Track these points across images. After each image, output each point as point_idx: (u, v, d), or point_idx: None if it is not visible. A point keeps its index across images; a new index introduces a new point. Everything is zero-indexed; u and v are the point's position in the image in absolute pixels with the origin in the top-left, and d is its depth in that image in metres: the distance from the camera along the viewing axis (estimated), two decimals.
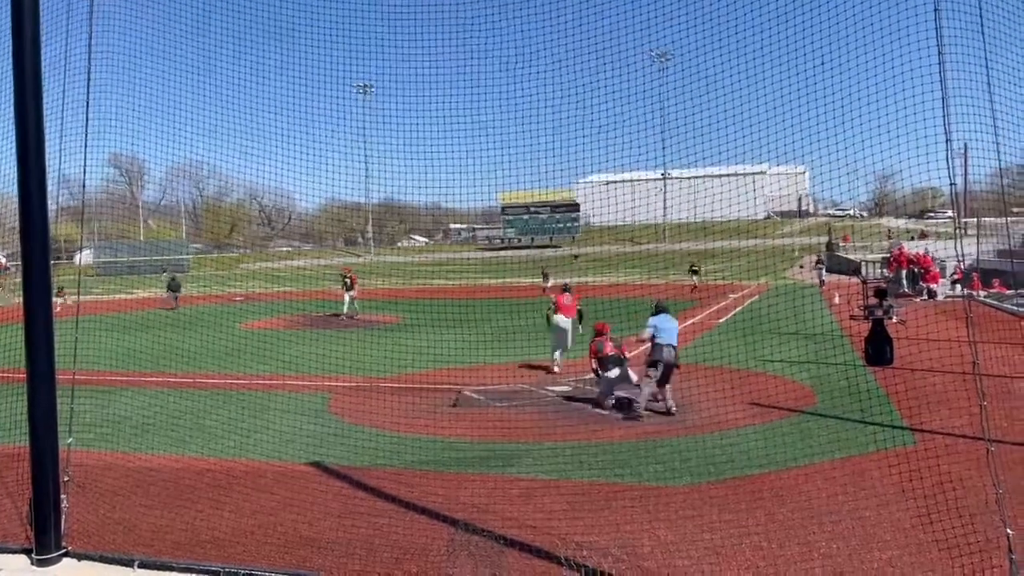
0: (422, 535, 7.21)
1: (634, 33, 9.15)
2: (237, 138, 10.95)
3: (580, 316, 18.16)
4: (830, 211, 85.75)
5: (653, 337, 12.67)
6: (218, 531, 7.43)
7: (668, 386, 12.59)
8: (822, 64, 7.37)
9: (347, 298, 29.64)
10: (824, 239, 61.80)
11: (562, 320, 16.76)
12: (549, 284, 40.49)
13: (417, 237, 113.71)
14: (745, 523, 7.37)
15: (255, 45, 10.18)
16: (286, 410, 12.92)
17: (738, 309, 27.85)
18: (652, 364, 12.53)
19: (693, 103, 9.29)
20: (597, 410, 12.75)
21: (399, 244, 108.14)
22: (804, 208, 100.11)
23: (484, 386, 14.25)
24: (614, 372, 13.24)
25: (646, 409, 12.35)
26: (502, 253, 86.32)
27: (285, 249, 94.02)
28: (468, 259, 78.66)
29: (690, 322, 24.79)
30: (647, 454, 10.03)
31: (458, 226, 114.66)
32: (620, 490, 8.55)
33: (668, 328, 12.79)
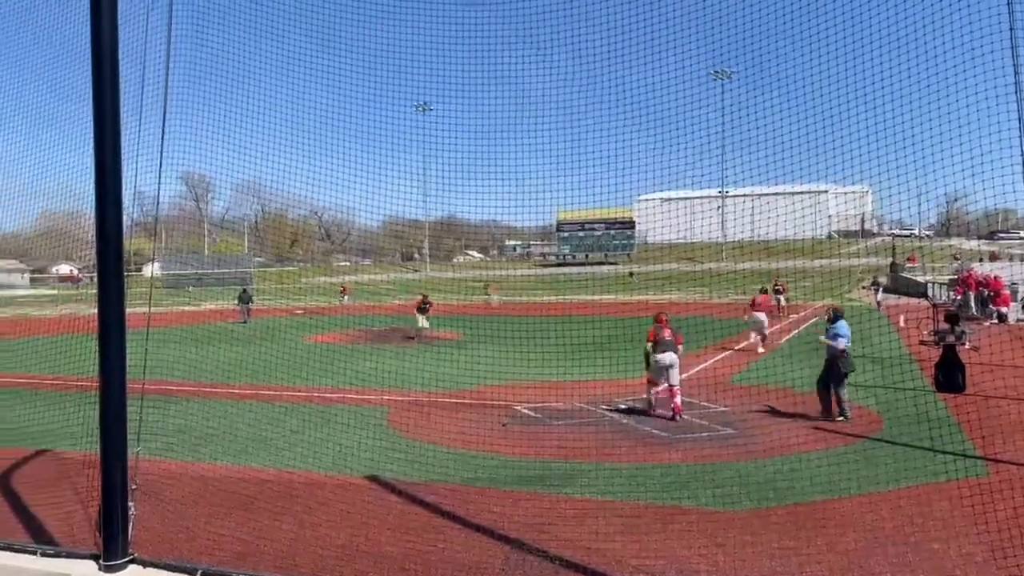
0: (477, 553, 7.21)
1: (694, 52, 9.09)
2: (301, 156, 11.20)
3: (779, 307, 25.65)
4: (894, 231, 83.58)
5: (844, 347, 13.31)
6: (278, 542, 7.55)
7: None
8: (889, 84, 7.21)
9: (420, 319, 29.71)
10: (889, 260, 60.17)
11: (759, 315, 23.67)
12: (494, 298, 40.52)
13: (473, 253, 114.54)
14: (807, 551, 7.17)
15: (317, 65, 10.42)
16: (346, 423, 13.09)
17: (801, 329, 27.25)
18: (847, 374, 13.20)
19: (753, 121, 9.18)
20: (656, 431, 12.59)
21: (455, 260, 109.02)
22: (868, 228, 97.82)
23: (542, 404, 14.23)
24: (666, 357, 13.54)
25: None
26: (562, 270, 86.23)
27: (344, 264, 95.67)
28: (525, 276, 78.77)
29: (752, 342, 24.34)
30: (706, 477, 9.86)
31: (513, 242, 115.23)
32: (677, 513, 8.42)
33: (851, 336, 13.63)
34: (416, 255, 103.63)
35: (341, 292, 46.27)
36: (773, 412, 13.49)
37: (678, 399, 13.45)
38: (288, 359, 20.54)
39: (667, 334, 13.84)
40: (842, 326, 13.48)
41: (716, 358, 20.82)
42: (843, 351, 13.24)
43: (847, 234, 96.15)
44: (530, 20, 9.23)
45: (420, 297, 29.93)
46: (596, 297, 44.69)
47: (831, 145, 8.11)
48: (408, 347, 25.01)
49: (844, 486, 9.10)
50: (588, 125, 9.85)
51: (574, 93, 9.77)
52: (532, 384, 14.55)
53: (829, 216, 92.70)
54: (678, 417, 13.26)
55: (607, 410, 14.26)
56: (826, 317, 14.13)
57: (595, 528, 7.85)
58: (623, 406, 14.48)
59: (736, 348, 23.31)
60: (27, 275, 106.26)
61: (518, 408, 14.16)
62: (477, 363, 14.24)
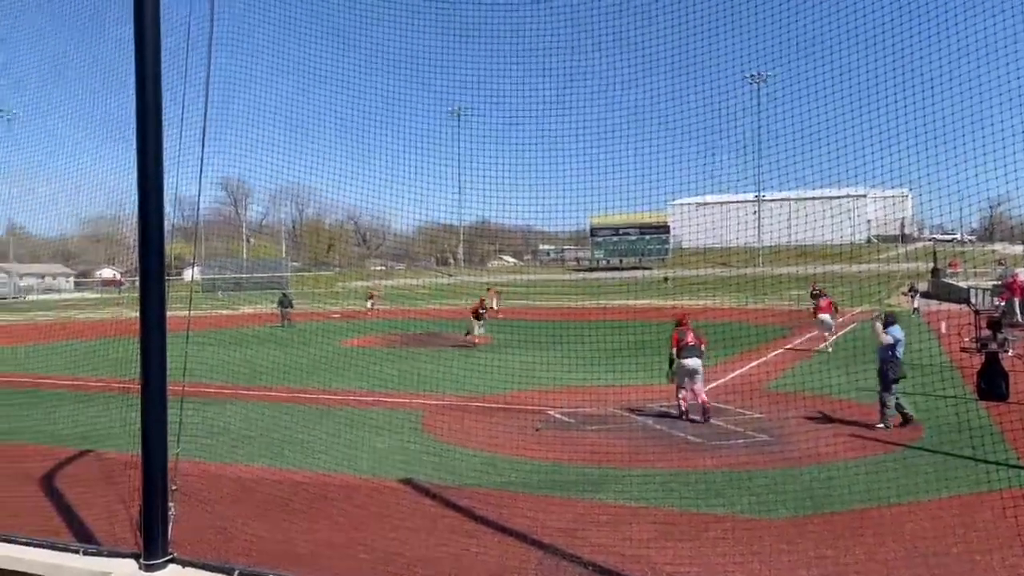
0: (510, 557, 7.21)
1: (728, 55, 9.03)
2: (338, 161, 11.35)
3: (835, 309, 25.97)
4: (936, 236, 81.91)
5: (894, 351, 13.05)
6: (313, 544, 7.64)
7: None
8: (931, 87, 7.09)
9: (479, 324, 28.53)
10: (930, 265, 58.90)
11: (825, 317, 25.07)
12: (493, 302, 40.99)
13: (507, 258, 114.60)
14: (844, 560, 7.07)
15: (353, 73, 10.52)
16: (381, 426, 13.19)
17: (838, 336, 26.84)
18: (896, 380, 12.88)
19: (789, 125, 9.08)
20: (690, 437, 12.51)
21: (489, 264, 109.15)
22: (908, 233, 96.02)
23: (575, 409, 14.20)
24: (692, 361, 13.74)
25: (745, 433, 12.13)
26: (595, 275, 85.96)
27: (379, 268, 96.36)
28: (559, 280, 78.67)
29: (786, 348, 24.07)
30: (741, 484, 9.76)
31: (547, 247, 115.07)
32: (712, 520, 8.35)
33: (904, 341, 13.38)
34: (451, 259, 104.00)
35: (368, 297, 46.58)
36: (809, 419, 13.32)
37: (704, 396, 13.64)
38: (324, 362, 20.76)
39: (690, 338, 13.97)
40: (895, 330, 13.30)
41: (751, 364, 20.60)
42: (889, 347, 13.03)
43: (886, 239, 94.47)
44: (564, 24, 9.24)
45: (478, 301, 29.52)
46: (630, 302, 44.50)
47: (870, 148, 8.00)
48: (444, 351, 25.09)
49: (883, 495, 8.95)
50: (622, 129, 9.82)
51: (607, 97, 9.75)
52: (565, 389, 14.54)
53: (868, 220, 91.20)
54: (710, 416, 13.38)
55: (640, 415, 14.19)
56: (876, 321, 13.95)
57: (629, 534, 7.82)
58: (657, 411, 14.41)
59: (788, 347, 23.86)
60: (72, 279, 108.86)
61: (551, 413, 14.15)
62: (511, 367, 14.27)
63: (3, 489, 9.67)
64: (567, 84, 9.82)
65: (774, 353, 23.03)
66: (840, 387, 14.03)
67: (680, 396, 13.93)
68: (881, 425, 12.72)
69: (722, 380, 17.45)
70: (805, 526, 8.12)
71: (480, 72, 10.20)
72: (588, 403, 14.25)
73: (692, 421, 13.47)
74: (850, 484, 9.40)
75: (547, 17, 9.31)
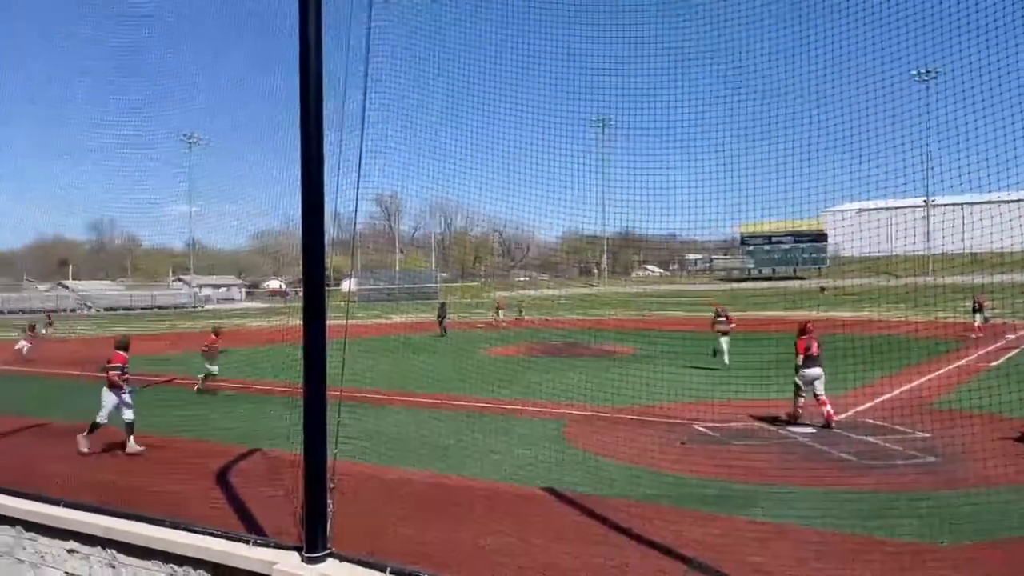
0: (654, 570, 7.15)
1: (892, 51, 8.56)
2: (483, 175, 11.65)
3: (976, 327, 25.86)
4: None
5: None
6: (459, 543, 7.88)
7: None
8: None
9: (724, 342, 22.74)
10: None
11: None
12: (525, 316, 40.97)
13: (651, 267, 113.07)
14: None
15: (497, 87, 10.78)
16: (524, 434, 13.40)
17: (1017, 351, 24.69)
18: None
19: (962, 123, 8.49)
20: (844, 455, 11.90)
21: (633, 274, 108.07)
22: None
23: (721, 423, 13.85)
24: (814, 371, 13.97)
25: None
26: (744, 284, 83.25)
27: (523, 279, 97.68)
28: (706, 291, 76.73)
29: (957, 364, 22.37)
30: (901, 506, 9.20)
31: (694, 256, 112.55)
32: (869, 544, 7.92)
33: None
34: (594, 270, 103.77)
35: (496, 308, 47.35)
36: (980, 438, 12.30)
37: (829, 407, 13.72)
38: (471, 370, 21.31)
39: (815, 348, 14.12)
40: None
41: (917, 381, 19.30)
42: None
43: None
44: (709, 25, 9.09)
45: (714, 312, 24.27)
46: (783, 313, 42.79)
47: None
48: (584, 360, 25.09)
49: None
50: (776, 132, 9.52)
51: (758, 100, 9.50)
52: (712, 402, 14.19)
53: None
54: (832, 424, 13.52)
55: (789, 430, 13.65)
56: None
57: (779, 552, 7.56)
58: (806, 427, 13.81)
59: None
60: (243, 289, 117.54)
61: (696, 426, 13.87)
62: (654, 379, 14.11)
63: (186, 482, 10.58)
64: (717, 88, 9.67)
65: (941, 370, 21.47)
66: (1013, 405, 12.90)
67: (799, 403, 14.10)
68: None
69: (883, 397, 16.46)
70: (976, 553, 7.54)
71: (625, 80, 10.21)
72: (735, 417, 13.87)
73: (805, 426, 13.61)
74: None
75: (694, 23, 9.20)
